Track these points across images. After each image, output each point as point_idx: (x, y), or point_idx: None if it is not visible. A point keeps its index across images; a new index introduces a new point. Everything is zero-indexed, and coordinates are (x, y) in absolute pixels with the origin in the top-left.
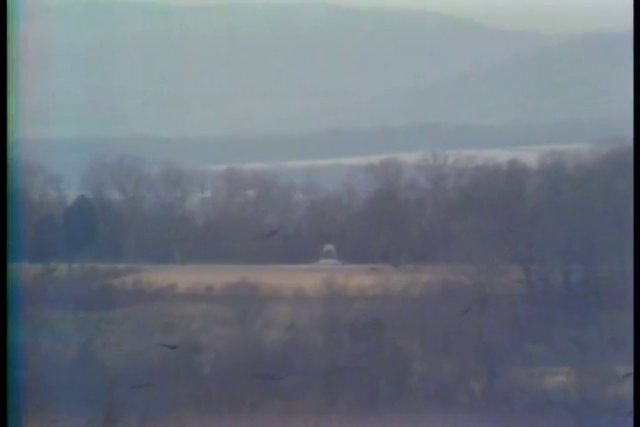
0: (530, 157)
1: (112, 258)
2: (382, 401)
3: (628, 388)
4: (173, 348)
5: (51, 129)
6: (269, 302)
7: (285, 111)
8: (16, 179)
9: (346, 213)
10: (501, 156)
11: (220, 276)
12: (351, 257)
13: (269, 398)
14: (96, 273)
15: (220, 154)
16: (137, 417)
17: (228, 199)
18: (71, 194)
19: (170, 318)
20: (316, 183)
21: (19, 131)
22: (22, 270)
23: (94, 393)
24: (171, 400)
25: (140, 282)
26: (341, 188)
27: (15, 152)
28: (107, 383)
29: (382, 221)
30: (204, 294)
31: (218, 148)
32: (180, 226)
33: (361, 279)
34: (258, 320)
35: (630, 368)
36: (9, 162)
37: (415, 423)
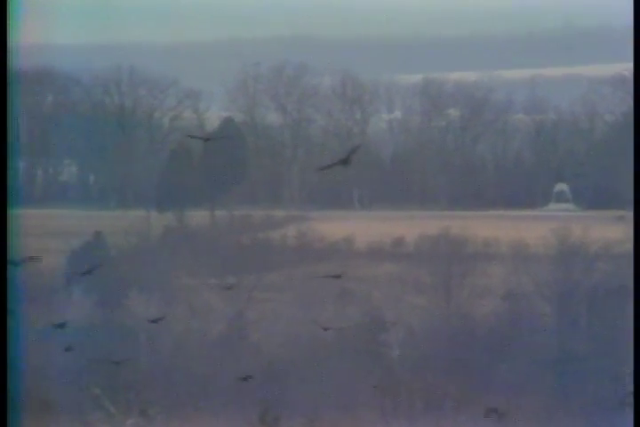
0: None
1: (269, 203)
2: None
3: None
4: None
5: (180, 31)
6: (480, 262)
7: None
8: (129, 96)
9: (585, 140)
10: None
11: (413, 226)
12: (592, 200)
13: (473, 393)
14: (248, 223)
15: (413, 59)
16: (302, 420)
17: (425, 122)
18: (213, 116)
19: (346, 283)
20: (543, 100)
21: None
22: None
23: (246, 383)
24: (339, 398)
25: (305, 235)
26: (578, 106)
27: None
28: (262, 372)
29: None
30: (391, 251)
31: (409, 51)
32: (360, 158)
33: (605, 231)
34: (464, 286)
35: None
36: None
37: None
